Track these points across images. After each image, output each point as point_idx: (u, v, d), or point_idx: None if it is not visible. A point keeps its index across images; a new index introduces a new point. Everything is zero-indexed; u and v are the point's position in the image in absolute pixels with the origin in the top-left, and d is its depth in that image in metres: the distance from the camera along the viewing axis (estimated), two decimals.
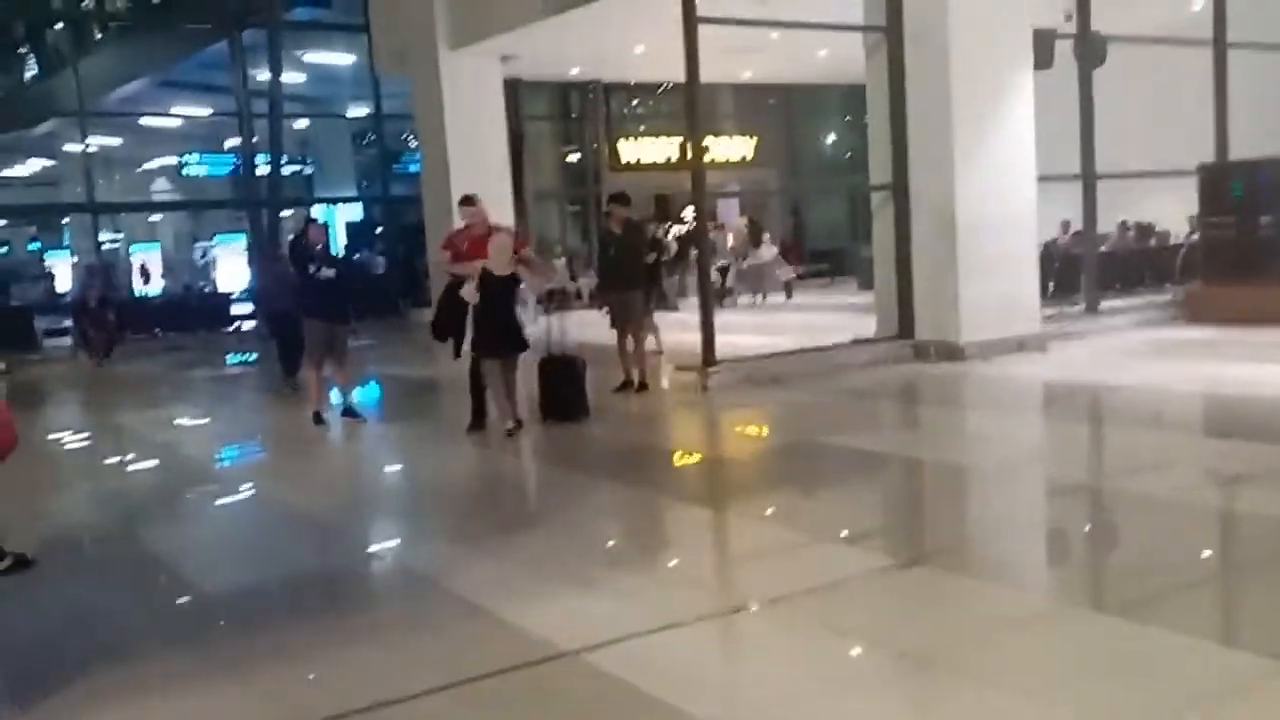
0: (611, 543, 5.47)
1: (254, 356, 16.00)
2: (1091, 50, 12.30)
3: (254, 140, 20.41)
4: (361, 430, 9.12)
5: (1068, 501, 5.83)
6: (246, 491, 7.12)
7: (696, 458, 7.68)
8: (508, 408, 8.04)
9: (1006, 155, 10.53)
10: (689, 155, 10.30)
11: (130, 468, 8.45)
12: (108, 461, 8.80)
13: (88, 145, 20.75)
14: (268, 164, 20.21)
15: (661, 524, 5.87)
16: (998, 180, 10.45)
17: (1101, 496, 5.90)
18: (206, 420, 10.84)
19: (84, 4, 25.61)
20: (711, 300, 9.82)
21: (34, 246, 37.85)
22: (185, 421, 10.62)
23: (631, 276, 9.69)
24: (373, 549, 5.62)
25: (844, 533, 5.25)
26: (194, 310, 20.18)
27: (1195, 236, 14.11)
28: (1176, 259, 14.65)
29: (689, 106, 9.95)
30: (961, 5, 10.13)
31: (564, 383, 8.41)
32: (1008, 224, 10.53)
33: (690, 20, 9.62)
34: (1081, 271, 12.88)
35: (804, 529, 5.37)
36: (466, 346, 8.11)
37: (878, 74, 10.84)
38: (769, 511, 5.88)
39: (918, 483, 6.65)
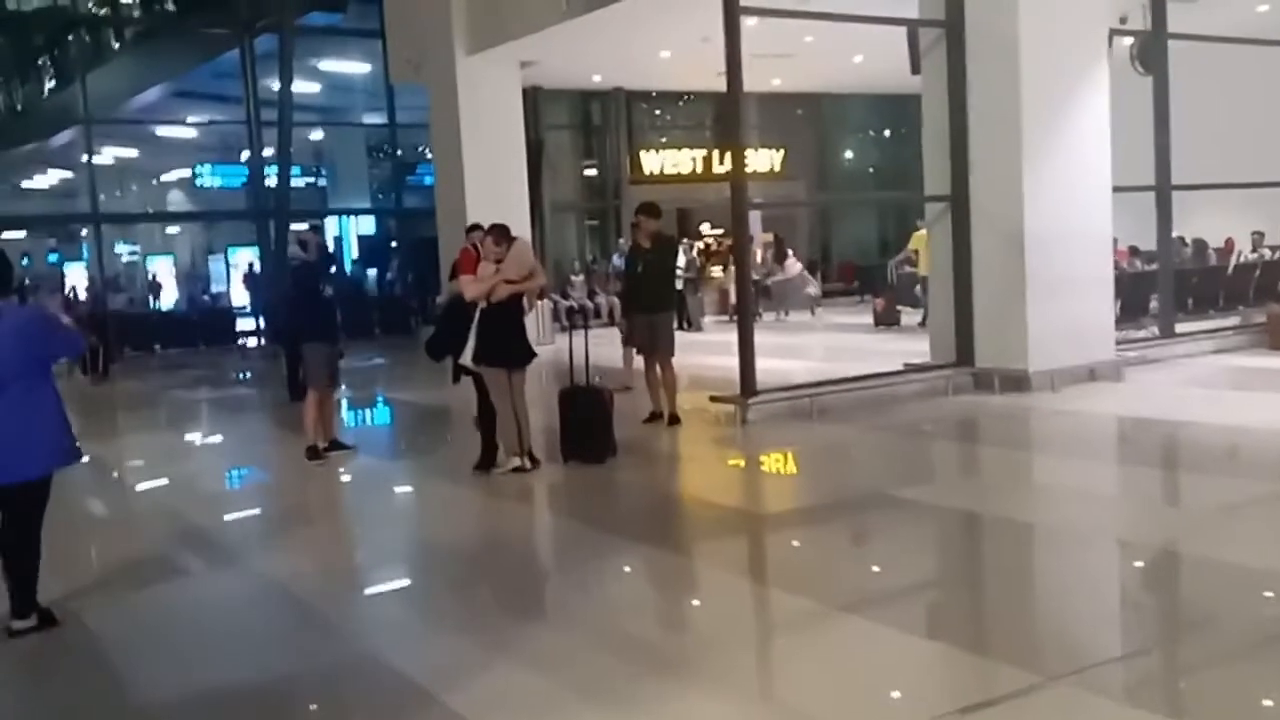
0: (649, 636, 4.42)
1: (256, 375, 15.08)
2: (1154, 53, 11.23)
3: (264, 150, 19.54)
4: (355, 466, 8.15)
5: (1169, 576, 4.82)
6: (215, 557, 5.98)
7: (741, 513, 6.57)
8: (517, 442, 7.05)
9: (1080, 163, 9.48)
10: (728, 164, 9.29)
11: (87, 521, 7.14)
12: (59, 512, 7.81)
13: (92, 155, 19.97)
14: (276, 175, 19.33)
15: (711, 608, 4.76)
16: (1070, 191, 9.40)
17: (1215, 572, 4.80)
18: (188, 458, 9.65)
19: (99, 11, 24.91)
20: (751, 322, 8.77)
21: (53, 258, 37.30)
22: (165, 457, 9.55)
23: (661, 297, 8.69)
24: (356, 642, 4.52)
25: (945, 629, 4.25)
26: (197, 325, 19.27)
27: (1266, 254, 13.05)
28: (1246, 278, 13.55)
29: (728, 108, 8.94)
30: None
31: (588, 418, 7.39)
32: (1081, 239, 9.47)
33: (732, 8, 8.62)
34: (1150, 292, 11.77)
35: (893, 620, 4.31)
36: (466, 360, 7.12)
37: (935, 73, 9.81)
38: (841, 592, 4.80)
39: (1014, 555, 5.57)
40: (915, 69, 11.38)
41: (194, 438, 10.79)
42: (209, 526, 6.59)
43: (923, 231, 15.74)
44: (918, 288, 16.09)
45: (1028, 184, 9.24)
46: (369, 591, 5.25)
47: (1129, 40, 11.03)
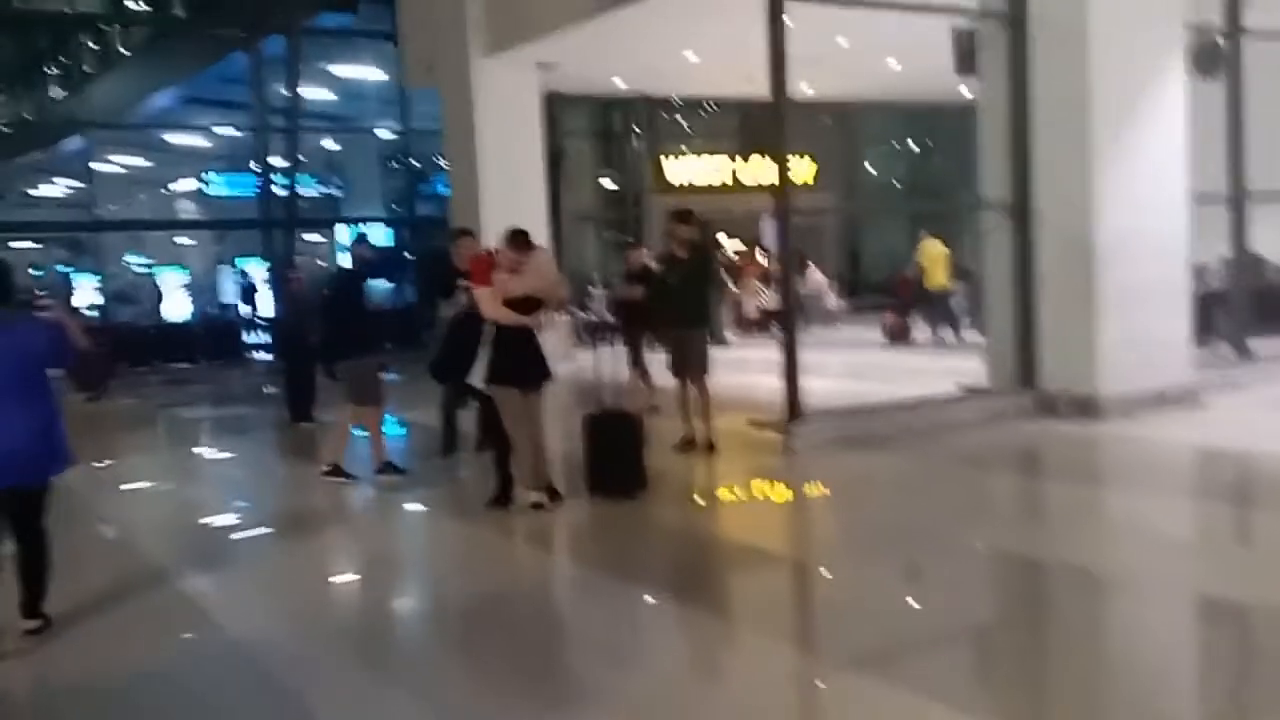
0: None
1: (258, 393, 14.32)
2: (1212, 55, 10.37)
3: (273, 156, 18.85)
4: (357, 498, 7.36)
5: (1261, 635, 3.94)
6: (170, 608, 5.10)
7: (789, 563, 5.71)
8: (534, 474, 6.25)
9: (1155, 169, 8.64)
10: (759, 173, 8.47)
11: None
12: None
13: (94, 163, 19.36)
14: (284, 183, 18.63)
15: (756, 685, 3.92)
16: (1145, 199, 8.56)
17: None
18: (177, 483, 8.82)
19: (105, 15, 24.40)
20: (797, 340, 7.93)
21: (62, 269, 36.80)
22: (152, 484, 8.76)
23: (695, 312, 7.88)
24: None
25: (1001, 699, 3.56)
26: (200, 339, 18.54)
27: None
28: None
29: (771, 111, 8.10)
30: None
31: (616, 447, 6.57)
32: (1156, 251, 8.62)
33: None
34: (1223, 310, 10.87)
35: (954, 697, 3.57)
36: (476, 381, 6.35)
37: (994, 69, 9.00)
38: (894, 660, 4.02)
39: (1081, 609, 4.74)
40: (962, 68, 10.60)
41: (183, 461, 10.01)
42: (169, 568, 5.77)
43: (930, 244, 15.39)
44: (952, 301, 15.37)
45: (1097, 190, 8.42)
46: (352, 661, 4.40)
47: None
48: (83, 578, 5.35)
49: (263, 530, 6.89)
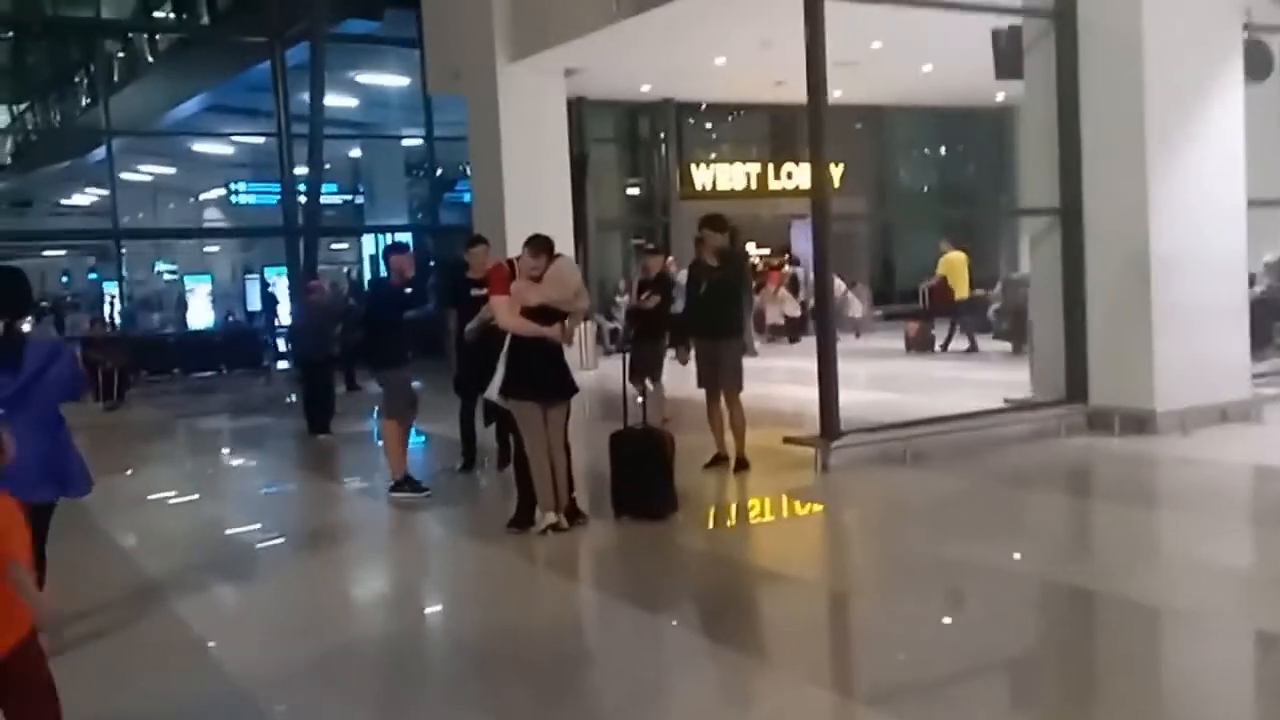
0: None
1: (278, 403, 14.07)
2: (1263, 58, 9.89)
3: (297, 164, 18.64)
4: (370, 515, 7.05)
5: None
6: (163, 637, 4.77)
7: (828, 594, 5.32)
8: (553, 494, 5.90)
9: (1213, 174, 8.19)
10: (813, 176, 8.08)
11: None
12: None
13: (116, 171, 19.26)
14: (305, 190, 18.40)
15: None
16: (1202, 206, 8.11)
17: None
18: (184, 498, 8.43)
19: (130, 23, 24.39)
20: (834, 351, 7.52)
21: (93, 276, 36.89)
22: (160, 498, 8.41)
23: (728, 322, 7.48)
24: None
25: None
26: (221, 347, 18.34)
27: None
28: None
29: (811, 113, 7.69)
30: None
31: (644, 466, 6.20)
32: (1214, 260, 8.18)
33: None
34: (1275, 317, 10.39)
35: None
36: (493, 394, 6.00)
37: (1040, 70, 8.58)
38: (962, 709, 3.63)
39: (1137, 647, 4.32)
40: (1002, 72, 10.21)
41: (194, 475, 9.69)
42: (168, 584, 5.45)
43: (950, 254, 15.32)
44: (991, 312, 15.00)
45: (1154, 196, 7.97)
46: (361, 697, 4.04)
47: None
48: (86, 595, 5.06)
49: (270, 550, 6.54)
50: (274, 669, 4.32)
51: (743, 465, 7.41)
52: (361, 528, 6.99)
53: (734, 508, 6.89)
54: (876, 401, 9.34)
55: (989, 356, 13.76)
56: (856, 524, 6.43)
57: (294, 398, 13.12)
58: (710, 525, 6.38)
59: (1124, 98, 8.02)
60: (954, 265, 15.03)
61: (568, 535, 5.94)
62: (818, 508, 6.81)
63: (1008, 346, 13.72)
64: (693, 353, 7.85)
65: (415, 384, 7.64)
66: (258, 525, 7.16)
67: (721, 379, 7.41)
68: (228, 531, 7.15)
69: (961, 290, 14.90)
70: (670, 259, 18.20)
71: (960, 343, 14.62)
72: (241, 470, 9.96)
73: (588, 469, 6.94)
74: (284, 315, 20.26)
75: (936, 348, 15.00)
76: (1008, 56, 10.06)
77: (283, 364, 17.65)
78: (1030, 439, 8.15)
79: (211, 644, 4.70)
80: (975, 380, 11.50)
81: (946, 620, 4.67)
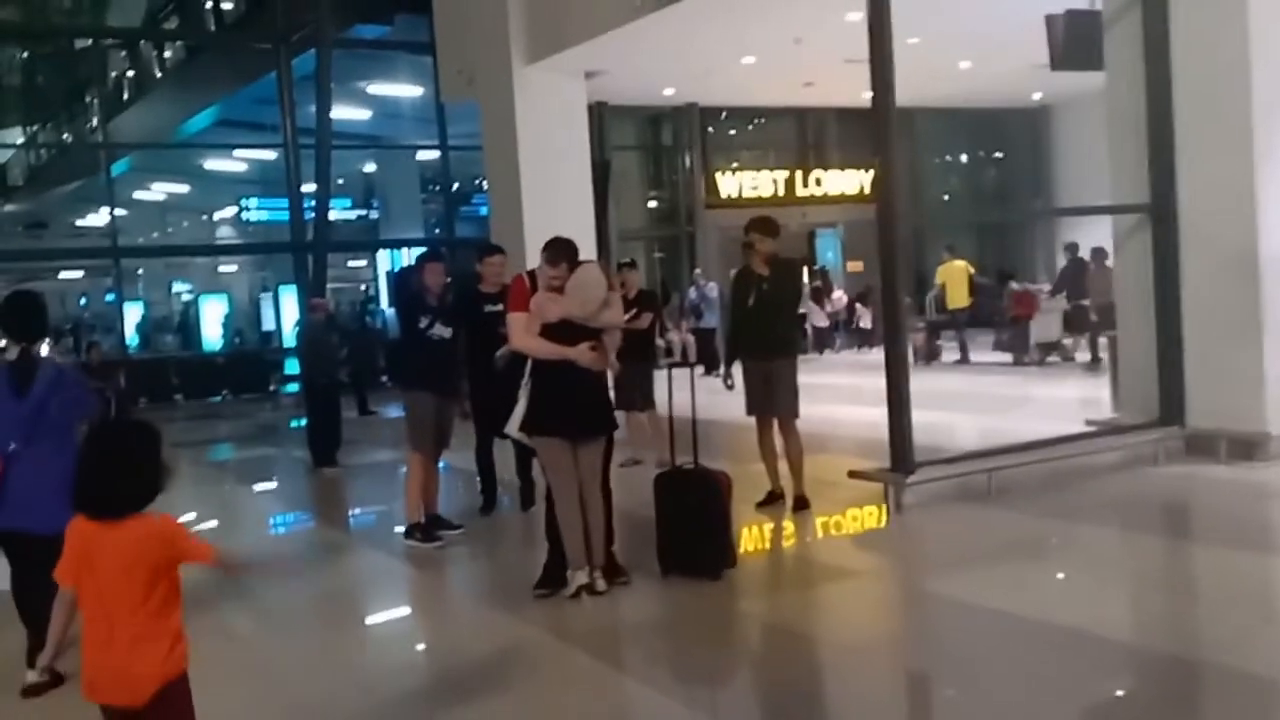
0: None
1: (281, 432, 13.23)
2: None
3: (304, 177, 17.86)
4: (375, 569, 6.13)
5: None
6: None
7: (912, 673, 4.33)
8: (584, 549, 5.00)
9: None
10: (878, 178, 7.16)
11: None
12: None
13: (113, 189, 18.62)
14: (315, 204, 17.59)
15: None
16: None
17: None
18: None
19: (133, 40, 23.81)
20: (905, 375, 6.57)
21: (110, 298, 36.31)
22: None
23: (782, 339, 6.57)
24: None
25: None
26: (224, 371, 17.55)
27: None
28: None
29: (877, 108, 6.75)
30: None
31: (695, 515, 5.27)
32: None
33: None
34: None
35: None
36: (513, 429, 5.14)
37: (1125, 50, 7.64)
38: None
39: None
40: (1062, 63, 9.33)
41: (181, 514, 8.74)
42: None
43: (952, 263, 14.98)
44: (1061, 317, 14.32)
45: (1263, 191, 7.00)
46: None
47: None
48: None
49: (244, 619, 5.45)
50: None
51: (802, 504, 6.48)
52: (362, 591, 6.03)
53: (799, 562, 5.91)
54: (928, 423, 8.29)
55: (1027, 371, 13.42)
56: (947, 582, 5.36)
57: (299, 423, 12.26)
58: (774, 586, 5.44)
59: (1226, 76, 7.07)
60: (953, 274, 14.91)
61: (606, 600, 4.99)
62: (895, 558, 5.84)
63: (1007, 357, 13.96)
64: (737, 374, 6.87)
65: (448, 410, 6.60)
66: (230, 597, 5.88)
67: (776, 404, 6.49)
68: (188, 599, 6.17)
69: (959, 299, 14.77)
70: (697, 270, 17.39)
71: (951, 354, 14.66)
72: (230, 512, 8.67)
73: (629, 516, 5.94)
74: (291, 336, 19.47)
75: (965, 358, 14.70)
76: (1069, 44, 9.16)
77: (293, 387, 16.83)
78: (1124, 467, 7.17)
79: None
80: (1014, 397, 10.95)
81: (1046, 703, 3.69)
